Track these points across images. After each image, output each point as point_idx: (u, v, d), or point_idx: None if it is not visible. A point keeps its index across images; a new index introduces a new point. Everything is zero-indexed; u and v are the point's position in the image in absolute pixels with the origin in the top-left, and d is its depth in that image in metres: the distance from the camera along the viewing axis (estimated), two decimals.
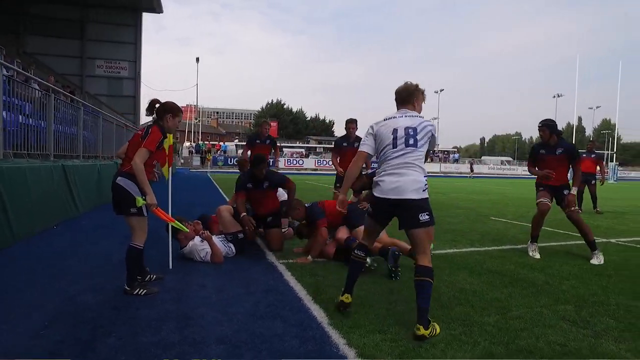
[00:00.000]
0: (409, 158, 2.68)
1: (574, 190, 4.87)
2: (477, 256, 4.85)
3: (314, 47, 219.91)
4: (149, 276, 3.52)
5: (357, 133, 6.31)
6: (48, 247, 4.76)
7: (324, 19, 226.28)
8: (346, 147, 6.24)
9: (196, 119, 48.76)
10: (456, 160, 55.82)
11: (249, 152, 7.11)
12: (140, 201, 3.12)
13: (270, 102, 74.66)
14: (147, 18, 25.11)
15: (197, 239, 4.26)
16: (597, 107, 56.75)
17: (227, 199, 10.61)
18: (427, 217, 2.64)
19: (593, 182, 10.06)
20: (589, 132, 67.42)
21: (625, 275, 4.13)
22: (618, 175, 38.67)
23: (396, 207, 2.69)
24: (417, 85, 2.91)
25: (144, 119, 23.05)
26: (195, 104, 56.01)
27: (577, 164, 4.95)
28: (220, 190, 13.58)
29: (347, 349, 2.34)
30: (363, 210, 4.24)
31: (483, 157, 66.75)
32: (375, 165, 2.98)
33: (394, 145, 2.71)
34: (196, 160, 37.25)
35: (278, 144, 8.25)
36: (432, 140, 2.79)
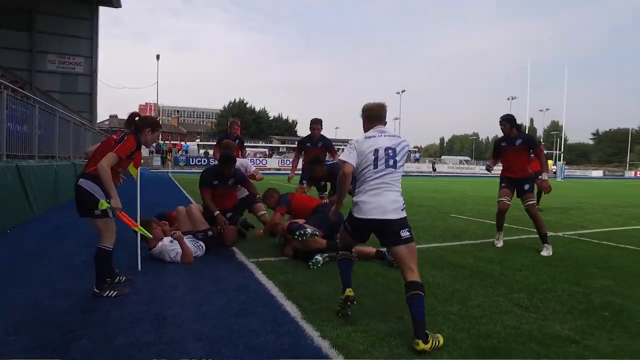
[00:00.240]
0: (387, 178, 2.75)
1: (544, 176, 5.39)
2: (439, 251, 5.11)
3: (277, 45, 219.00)
4: (118, 278, 3.48)
5: (323, 133, 6.45)
6: (6, 251, 4.56)
7: (287, 18, 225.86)
8: (310, 147, 6.33)
9: (156, 117, 47.48)
10: (417, 160, 57.36)
11: (218, 152, 7.06)
12: (104, 204, 3.06)
13: (232, 101, 73.79)
14: (104, 12, 24.04)
15: (167, 239, 4.23)
16: (546, 110, 60.07)
17: (192, 200, 10.46)
18: (408, 233, 2.68)
19: (546, 178, 10.72)
20: (540, 132, 71.28)
21: (570, 265, 4.51)
22: (565, 173, 41.16)
23: (376, 227, 2.75)
24: (385, 104, 3.02)
25: (102, 116, 22.18)
26: (155, 102, 54.37)
27: (537, 150, 5.39)
28: (184, 191, 13.33)
29: (321, 340, 2.45)
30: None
31: (443, 157, 69.06)
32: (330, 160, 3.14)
33: (375, 166, 2.76)
34: (157, 161, 36.20)
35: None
36: (406, 157, 2.94)
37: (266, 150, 49.73)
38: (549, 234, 6.43)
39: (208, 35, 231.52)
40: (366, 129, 2.94)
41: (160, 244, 4.16)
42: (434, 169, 43.77)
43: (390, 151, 2.77)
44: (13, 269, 3.92)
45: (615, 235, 6.58)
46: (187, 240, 4.32)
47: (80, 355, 2.25)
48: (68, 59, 21.84)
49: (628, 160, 71.70)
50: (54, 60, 21.47)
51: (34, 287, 3.35)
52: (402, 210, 2.72)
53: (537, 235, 5.26)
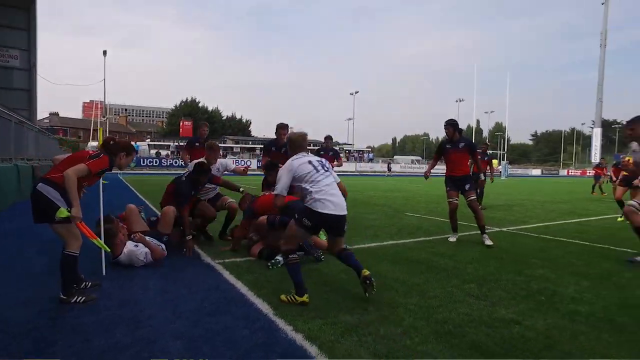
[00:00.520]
0: (330, 179, 3.38)
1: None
2: (397, 248, 5.43)
3: (230, 44, 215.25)
4: (84, 283, 3.45)
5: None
6: None
7: (241, 16, 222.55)
8: (274, 151, 6.43)
9: (103, 116, 44.99)
10: (370, 160, 58.73)
11: (188, 155, 7.03)
12: (63, 212, 2.99)
13: (184, 100, 71.70)
14: (43, 1, 22.50)
15: (130, 244, 4.20)
16: (491, 112, 63.76)
17: (146, 201, 10.22)
18: (346, 227, 3.43)
19: (483, 178, 11.48)
20: (485, 133, 75.39)
21: (513, 257, 4.97)
22: (508, 172, 43.90)
23: (337, 221, 3.29)
24: (306, 134, 3.67)
25: (41, 114, 20.75)
26: (101, 99, 51.72)
27: (475, 154, 6.15)
28: (137, 192, 12.93)
29: (295, 333, 2.62)
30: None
31: (395, 157, 71.15)
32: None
33: (317, 170, 3.36)
34: None
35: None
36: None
37: (220, 150, 48.88)
38: (495, 229, 7.06)
39: (158, 31, 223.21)
40: (292, 155, 3.54)
41: (125, 250, 4.11)
42: (389, 169, 45.05)
43: (322, 163, 3.46)
44: None
45: (551, 229, 7.26)
46: (149, 239, 4.31)
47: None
48: (2, 51, 20.22)
49: (562, 160, 77.54)
50: None
51: None
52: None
53: (487, 231, 5.78)
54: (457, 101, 60.07)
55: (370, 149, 74.87)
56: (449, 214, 6.08)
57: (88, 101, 75.40)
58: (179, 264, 4.34)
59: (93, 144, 44.95)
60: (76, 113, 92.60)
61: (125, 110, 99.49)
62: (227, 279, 3.82)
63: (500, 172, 40.50)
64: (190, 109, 68.85)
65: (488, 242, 5.61)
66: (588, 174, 49.46)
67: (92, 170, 3.13)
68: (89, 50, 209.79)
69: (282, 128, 6.45)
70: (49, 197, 3.04)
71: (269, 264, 4.24)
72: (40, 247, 5.02)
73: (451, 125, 5.94)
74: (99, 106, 57.73)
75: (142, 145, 42.49)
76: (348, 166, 44.88)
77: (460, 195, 5.93)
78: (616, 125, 78.25)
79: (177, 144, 46.70)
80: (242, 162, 40.34)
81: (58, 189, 3.05)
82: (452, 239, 5.97)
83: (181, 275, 3.93)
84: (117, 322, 2.77)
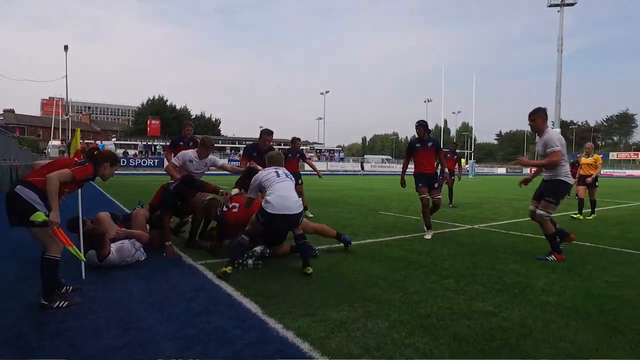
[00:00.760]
0: (287, 184, 4.14)
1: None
2: (375, 246, 5.58)
3: (199, 41, 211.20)
4: (65, 288, 3.38)
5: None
6: None
7: (209, 13, 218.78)
8: (256, 156, 6.40)
9: (66, 114, 43.14)
10: (341, 159, 59.17)
11: (172, 155, 6.91)
12: (40, 216, 2.89)
13: (151, 98, 69.78)
14: None
15: (113, 246, 4.14)
16: (458, 112, 65.65)
17: (118, 203, 9.97)
18: (301, 218, 4.17)
19: (452, 178, 11.88)
20: (453, 133, 77.52)
21: (486, 253, 5.22)
22: (475, 171, 45.35)
23: (286, 219, 4.00)
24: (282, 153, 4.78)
25: None
26: (61, 97, 49.74)
27: (440, 153, 6.55)
28: (107, 194, 12.55)
29: (285, 331, 2.68)
30: None
31: (366, 156, 71.96)
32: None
33: (278, 175, 4.19)
34: None
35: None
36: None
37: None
38: (467, 227, 7.36)
39: (123, 26, 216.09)
40: (269, 166, 4.44)
41: (114, 248, 4.04)
42: (363, 168, 45.55)
43: (285, 173, 4.30)
44: None
45: (518, 226, 7.62)
46: (128, 243, 4.27)
47: None
48: None
49: None
50: None
51: None
52: (300, 205, 4.14)
53: (458, 228, 6.05)
54: (425, 101, 61.56)
55: (340, 148, 75.47)
56: (422, 210, 6.40)
57: (47, 98, 71.90)
58: (161, 266, 4.30)
59: (55, 142, 43.12)
60: (34, 110, 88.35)
61: (88, 108, 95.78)
62: (212, 280, 3.83)
63: (468, 170, 41.81)
64: (157, 107, 67.10)
65: (428, 235, 6.20)
66: None
67: (77, 177, 3.09)
68: (48, 45, 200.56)
69: (267, 134, 6.47)
70: (27, 199, 2.96)
71: (236, 263, 4.17)
72: (10, 251, 4.85)
73: (422, 125, 6.39)
74: (60, 104, 55.38)
75: (109, 145, 41.07)
76: (319, 166, 44.93)
77: None
78: (573, 126, 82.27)
79: (145, 143, 45.43)
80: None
81: (38, 192, 2.98)
82: (428, 236, 6.21)
83: (164, 277, 3.90)
84: (104, 326, 2.75)
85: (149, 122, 60.06)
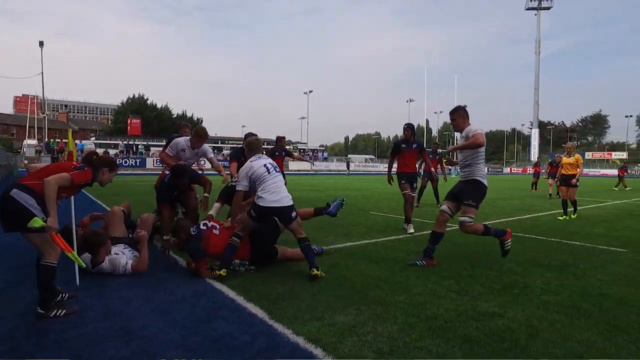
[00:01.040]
0: (278, 179, 4.17)
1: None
2: (371, 247, 5.58)
3: (180, 39, 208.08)
4: (60, 295, 3.25)
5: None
6: None
7: (190, 11, 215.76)
8: (244, 161, 6.30)
9: (42, 112, 41.80)
10: (325, 159, 59.18)
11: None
12: (38, 222, 2.78)
13: (131, 96, 68.35)
14: None
15: (112, 251, 4.02)
16: (440, 112, 66.49)
17: (104, 205, 9.72)
18: (295, 214, 4.13)
19: (436, 178, 11.95)
20: (434, 132, 78.51)
21: (480, 253, 5.28)
22: (459, 170, 45.95)
23: (279, 212, 4.10)
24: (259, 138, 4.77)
25: None
26: (36, 94, 48.30)
27: (424, 154, 7.33)
28: (91, 196, 12.21)
29: (296, 337, 2.64)
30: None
31: (350, 156, 72.24)
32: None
33: (269, 172, 4.15)
34: (45, 161, 32.12)
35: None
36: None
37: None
38: (457, 226, 7.41)
39: (101, 22, 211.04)
40: (249, 156, 4.43)
41: (107, 258, 3.92)
42: (349, 167, 45.65)
43: (274, 166, 4.26)
44: None
45: (507, 225, 7.71)
46: (126, 250, 4.14)
47: None
48: None
49: (504, 158, 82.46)
50: None
51: None
52: (290, 199, 4.17)
53: (449, 228, 6.14)
54: (407, 101, 62.20)
55: (324, 148, 75.51)
56: (404, 205, 6.87)
57: (21, 95, 69.58)
58: (157, 271, 4.19)
59: (30, 142, 41.81)
60: (6, 108, 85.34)
61: (65, 106, 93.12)
62: (212, 284, 3.76)
63: (451, 170, 42.31)
64: (138, 106, 65.70)
65: (410, 229, 6.68)
66: (528, 171, 52.90)
67: (75, 180, 2.98)
68: (22, 40, 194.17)
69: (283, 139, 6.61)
70: (23, 204, 2.83)
71: (230, 268, 4.06)
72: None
73: (411, 128, 7.01)
74: (35, 101, 53.77)
75: (88, 144, 39.98)
76: (302, 165, 44.93)
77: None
78: (550, 127, 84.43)
79: (126, 142, 44.45)
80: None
81: (35, 197, 2.85)
82: (411, 230, 6.63)
83: (162, 283, 3.80)
84: (106, 335, 2.65)
85: (129, 121, 58.81)
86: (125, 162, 37.88)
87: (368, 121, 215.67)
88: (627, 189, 19.75)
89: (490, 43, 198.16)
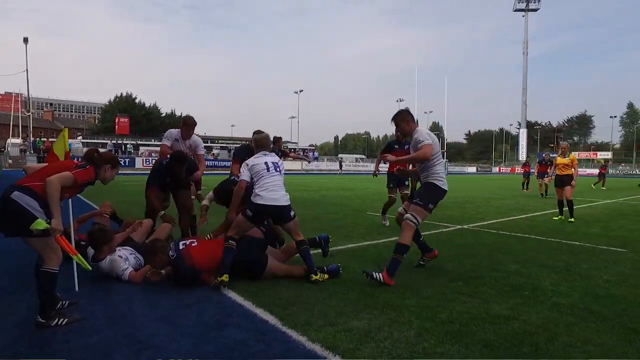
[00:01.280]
0: (277, 179, 4.03)
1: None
2: (372, 248, 5.52)
3: (168, 38, 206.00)
4: (61, 302, 3.11)
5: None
6: None
7: (177, 9, 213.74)
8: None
9: (27, 110, 40.85)
10: (316, 159, 59.05)
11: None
12: (41, 224, 2.65)
13: (119, 95, 67.41)
14: None
15: (117, 252, 3.89)
16: (430, 112, 66.88)
17: (94, 205, 9.49)
18: (293, 213, 4.03)
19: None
20: None
21: (482, 253, 5.25)
22: (448, 170, 46.33)
23: (273, 211, 3.93)
24: (268, 135, 4.56)
25: None
26: (20, 92, 47.32)
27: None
28: (80, 196, 11.93)
29: (311, 344, 2.56)
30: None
31: (340, 155, 72.22)
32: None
33: (268, 170, 4.02)
34: (31, 161, 31.41)
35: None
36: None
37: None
38: (457, 227, 7.44)
39: (87, 20, 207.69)
40: (256, 152, 4.27)
41: (108, 257, 3.79)
42: (341, 167, 45.62)
43: (275, 164, 4.11)
44: None
45: (505, 225, 7.77)
46: (132, 256, 4.01)
47: None
48: None
49: (493, 158, 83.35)
50: None
51: None
52: (288, 199, 4.02)
53: (447, 229, 6.19)
54: (397, 101, 62.44)
55: (314, 148, 75.36)
56: (385, 204, 7.51)
57: (3, 93, 67.92)
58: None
59: (14, 140, 40.92)
60: None
61: (51, 104, 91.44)
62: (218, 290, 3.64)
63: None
64: (126, 104, 64.82)
65: (386, 222, 7.33)
66: (517, 171, 53.54)
67: (78, 179, 2.86)
68: (4, 37, 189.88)
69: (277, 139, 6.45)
70: (25, 207, 2.70)
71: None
72: None
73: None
74: (19, 99, 52.55)
75: (75, 144, 39.26)
76: (293, 165, 44.78)
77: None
78: (537, 127, 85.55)
79: (114, 142, 43.76)
80: None
81: (37, 199, 2.72)
82: (386, 222, 7.37)
83: (166, 287, 3.67)
84: (114, 345, 2.54)
85: (117, 119, 57.97)
86: None
87: (358, 121, 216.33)
88: (603, 188, 20.42)
89: (480, 44, 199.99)
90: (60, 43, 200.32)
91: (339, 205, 11.21)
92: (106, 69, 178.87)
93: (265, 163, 4.08)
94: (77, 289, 3.55)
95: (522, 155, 64.47)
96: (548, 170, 15.45)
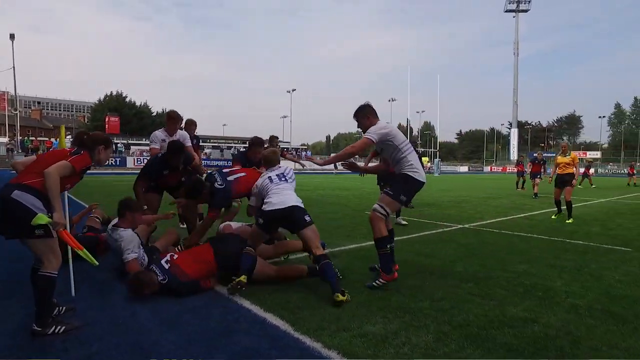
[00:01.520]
0: (282, 186, 3.89)
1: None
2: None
3: (159, 36, 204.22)
4: (57, 309, 2.93)
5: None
6: None
7: (167, 7, 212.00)
8: (248, 166, 6.06)
9: (14, 109, 40.02)
10: (309, 158, 58.80)
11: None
12: (43, 218, 2.52)
13: (109, 94, 66.44)
14: None
15: (136, 242, 3.87)
16: (422, 112, 67.07)
17: (84, 204, 9.25)
18: (309, 217, 3.67)
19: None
20: (415, 132, 79.22)
21: (488, 253, 5.16)
22: (440, 169, 46.44)
23: (285, 214, 3.63)
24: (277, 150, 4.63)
25: None
26: (6, 90, 46.41)
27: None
28: (72, 196, 11.65)
29: (327, 350, 2.44)
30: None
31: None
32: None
33: (271, 182, 3.94)
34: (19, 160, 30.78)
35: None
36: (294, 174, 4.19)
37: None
38: (457, 226, 7.38)
39: (76, 17, 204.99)
40: (265, 167, 4.31)
41: (125, 232, 3.77)
42: (336, 167, 45.47)
43: (279, 175, 4.05)
44: None
45: (505, 224, 7.71)
46: (142, 252, 3.88)
47: None
48: None
49: (484, 157, 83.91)
50: None
51: None
52: (301, 202, 3.76)
53: (449, 228, 6.11)
54: (389, 100, 62.51)
55: (306, 147, 75.16)
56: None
57: None
58: None
59: (1, 139, 40.18)
60: None
61: (38, 103, 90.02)
62: (223, 293, 3.49)
63: (433, 169, 42.74)
64: (116, 103, 63.87)
65: (403, 221, 7.35)
66: (508, 170, 53.91)
67: (76, 167, 2.72)
68: None
69: (259, 145, 6.07)
70: (28, 206, 2.54)
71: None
72: None
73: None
74: (5, 97, 51.57)
75: (66, 143, 38.59)
76: (287, 164, 44.50)
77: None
78: (528, 126, 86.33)
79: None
80: None
81: (39, 196, 2.57)
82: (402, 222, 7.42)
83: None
84: (117, 355, 2.38)
85: (107, 118, 57.15)
86: (108, 161, 36.78)
87: (349, 120, 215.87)
88: (593, 186, 21.52)
89: (472, 44, 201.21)
90: (48, 40, 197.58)
91: (337, 205, 11.07)
92: (96, 67, 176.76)
93: (269, 177, 4.04)
94: (73, 293, 3.37)
95: (514, 154, 64.96)
96: (541, 169, 15.57)
